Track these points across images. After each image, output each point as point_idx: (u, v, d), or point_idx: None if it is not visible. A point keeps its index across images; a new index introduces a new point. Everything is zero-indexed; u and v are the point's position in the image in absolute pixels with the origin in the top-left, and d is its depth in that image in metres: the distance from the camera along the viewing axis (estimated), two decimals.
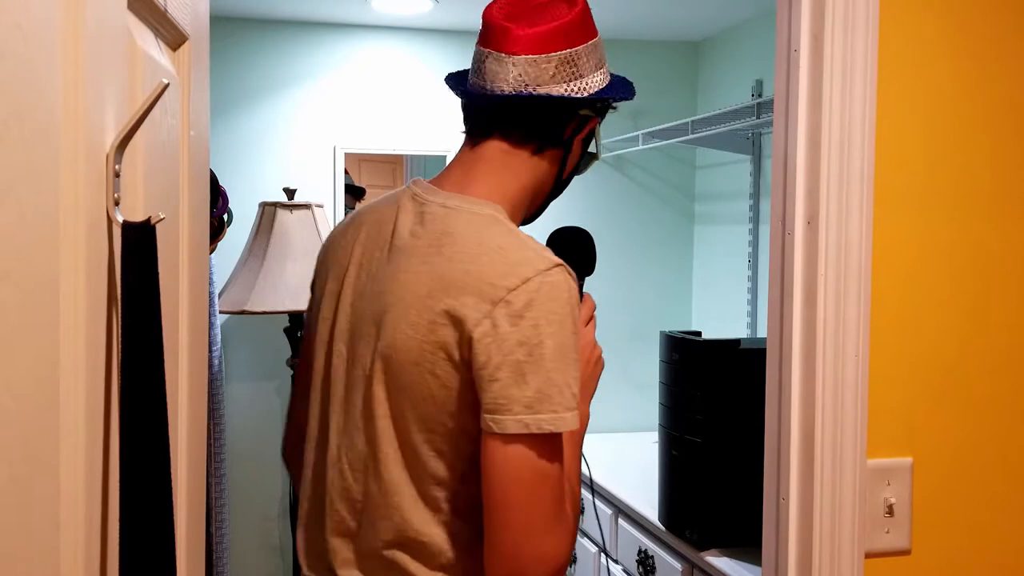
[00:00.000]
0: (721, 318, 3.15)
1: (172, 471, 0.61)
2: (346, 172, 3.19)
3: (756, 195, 2.88)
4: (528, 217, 1.26)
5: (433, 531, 1.11)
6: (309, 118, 3.05)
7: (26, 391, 0.48)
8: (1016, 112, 1.21)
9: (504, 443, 1.01)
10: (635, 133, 3.03)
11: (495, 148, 1.18)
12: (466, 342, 1.03)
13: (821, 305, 1.14)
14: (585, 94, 1.19)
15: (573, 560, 2.81)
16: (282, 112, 3.04)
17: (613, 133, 3.20)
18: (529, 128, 1.18)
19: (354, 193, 3.23)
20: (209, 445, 2.21)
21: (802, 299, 1.16)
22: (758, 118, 2.41)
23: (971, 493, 1.22)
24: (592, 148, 1.30)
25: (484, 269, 1.04)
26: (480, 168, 1.18)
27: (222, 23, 2.93)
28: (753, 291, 2.93)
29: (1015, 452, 1.24)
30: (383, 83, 3.09)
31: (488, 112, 1.19)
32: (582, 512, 2.77)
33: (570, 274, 1.06)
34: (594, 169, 3.75)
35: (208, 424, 1.13)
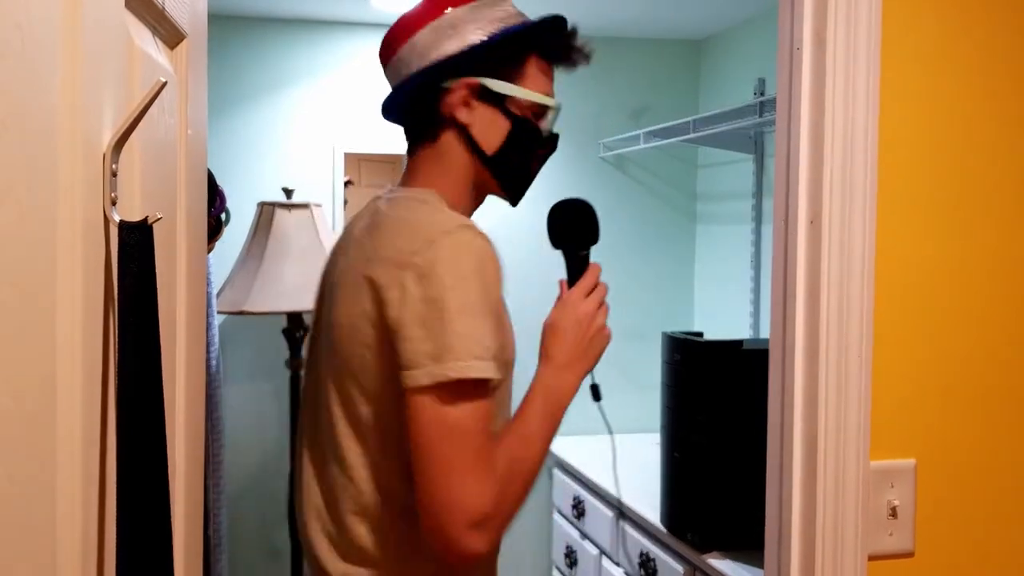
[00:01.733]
0: (723, 319, 3.14)
1: (169, 472, 0.61)
2: None
3: (759, 194, 2.87)
4: (512, 197, 1.30)
5: (390, 499, 1.17)
6: (308, 118, 3.05)
7: (23, 391, 0.47)
8: (1020, 110, 1.21)
9: (418, 396, 1.06)
10: (636, 132, 3.03)
11: (418, 153, 1.28)
12: (383, 306, 1.10)
13: (824, 305, 1.13)
14: (437, 59, 1.21)
15: (573, 563, 2.80)
16: (281, 111, 3.03)
17: (614, 132, 3.19)
18: (413, 124, 1.28)
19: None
20: (207, 446, 2.21)
21: (805, 299, 1.15)
22: (760, 117, 2.40)
23: (975, 495, 1.21)
24: (523, 105, 1.24)
25: (397, 239, 1.12)
26: (417, 170, 1.27)
27: (220, 21, 2.92)
28: (756, 291, 2.92)
29: (1020, 454, 1.23)
30: (383, 83, 3.08)
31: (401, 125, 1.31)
32: (580, 514, 2.77)
33: (479, 235, 1.11)
34: (595, 168, 3.73)
35: (206, 425, 1.13)
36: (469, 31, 1.21)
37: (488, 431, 1.08)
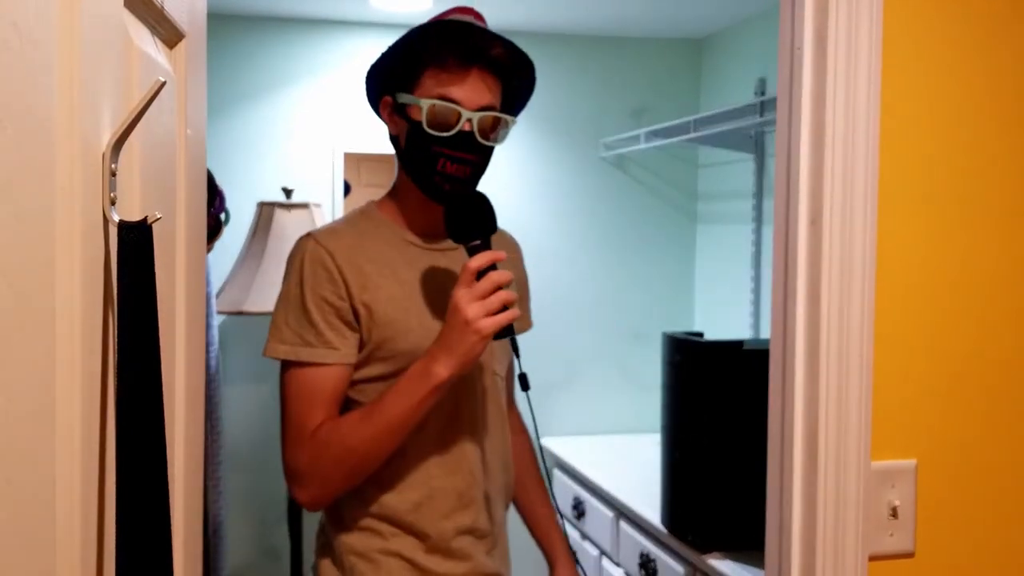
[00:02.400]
0: (724, 319, 3.14)
1: (169, 473, 0.61)
2: None
3: (759, 194, 2.87)
4: (433, 194, 1.37)
5: None
6: (307, 117, 3.05)
7: (22, 392, 0.47)
8: (1022, 110, 1.21)
9: None
10: (637, 132, 3.03)
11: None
12: None
13: (825, 306, 1.13)
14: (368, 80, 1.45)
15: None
16: (281, 111, 3.03)
17: (614, 131, 3.19)
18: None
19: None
20: (206, 446, 2.21)
21: (806, 299, 1.15)
22: (761, 116, 2.40)
23: (976, 495, 1.21)
24: (418, 110, 1.34)
25: None
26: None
27: (219, 21, 2.92)
28: (756, 291, 2.92)
29: (1020, 454, 1.23)
30: None
31: None
32: (580, 515, 2.77)
33: (318, 241, 1.35)
34: (595, 168, 3.73)
35: (205, 425, 1.13)
36: (388, 50, 1.40)
37: (310, 401, 1.32)
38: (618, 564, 2.50)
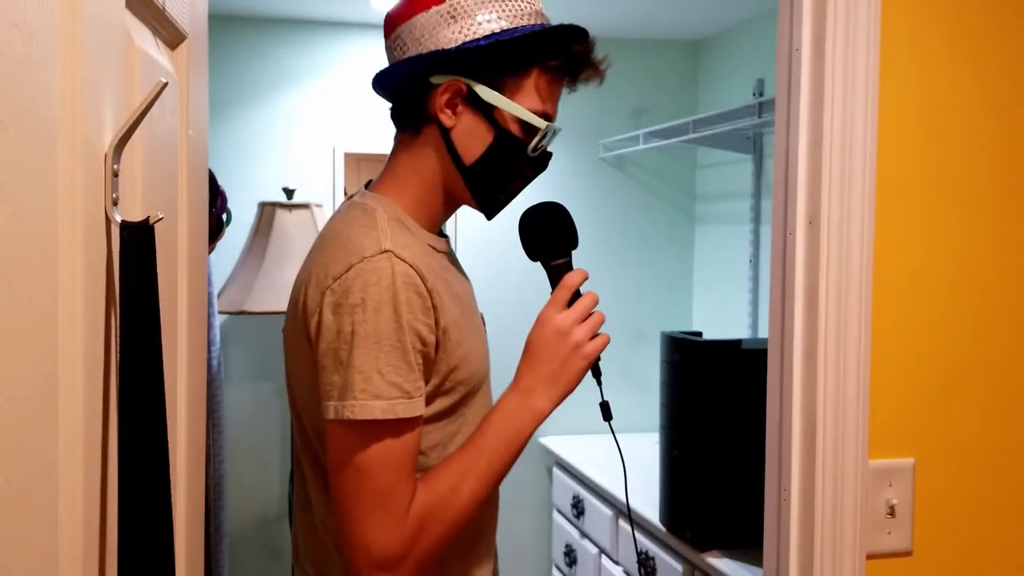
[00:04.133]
0: (722, 319, 3.14)
1: (171, 472, 0.61)
2: None
3: (757, 195, 2.87)
4: (485, 211, 1.20)
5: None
6: (309, 118, 3.05)
7: (24, 392, 0.47)
8: (1020, 111, 1.21)
9: (331, 428, 1.03)
10: (636, 132, 3.03)
11: (400, 140, 1.19)
12: (309, 330, 1.06)
13: (823, 305, 1.13)
14: (431, 49, 1.10)
15: (573, 562, 2.81)
16: (282, 112, 3.03)
17: (613, 132, 3.19)
18: (398, 111, 1.19)
19: None
20: (208, 445, 2.21)
21: (804, 299, 1.15)
22: (759, 117, 2.41)
23: (973, 494, 1.22)
24: (515, 120, 1.13)
25: (325, 259, 1.07)
26: (389, 164, 1.19)
27: (221, 22, 2.92)
28: (754, 291, 2.92)
29: (1017, 453, 1.23)
30: None
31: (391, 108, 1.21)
32: (580, 514, 2.77)
33: (403, 260, 1.03)
34: (594, 169, 3.73)
35: (207, 424, 1.13)
36: (470, 24, 1.09)
37: (402, 469, 1.03)
38: (617, 562, 2.51)
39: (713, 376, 1.92)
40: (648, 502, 2.29)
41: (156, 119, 0.71)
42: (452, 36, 1.09)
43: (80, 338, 0.55)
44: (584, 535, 2.78)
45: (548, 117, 1.16)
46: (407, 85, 1.14)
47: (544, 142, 1.16)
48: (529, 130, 1.14)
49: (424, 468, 1.09)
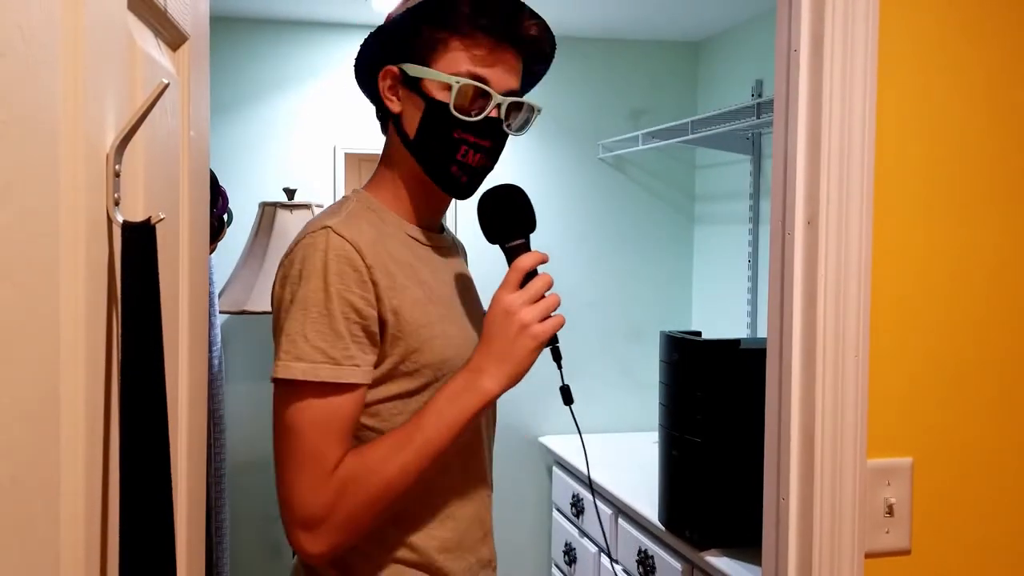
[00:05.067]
0: (721, 318, 3.15)
1: (172, 471, 0.61)
2: None
3: (756, 195, 2.88)
4: (443, 187, 1.20)
5: None
6: (309, 118, 3.05)
7: (26, 391, 0.48)
8: (1018, 111, 1.21)
9: (273, 391, 1.13)
10: (635, 133, 3.03)
11: (384, 143, 1.27)
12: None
13: (821, 305, 1.14)
14: (364, 50, 1.20)
15: (573, 561, 2.81)
16: (282, 112, 3.04)
17: (613, 133, 3.20)
18: (376, 114, 1.27)
19: None
20: (209, 445, 2.21)
21: (802, 299, 1.16)
22: (758, 118, 2.41)
23: (972, 493, 1.22)
24: (441, 88, 1.15)
25: (292, 241, 1.16)
26: (379, 163, 1.27)
27: (222, 23, 2.93)
28: (753, 291, 2.93)
29: (1015, 452, 1.24)
30: None
31: None
32: (579, 512, 2.77)
33: (339, 234, 1.09)
34: (594, 169, 3.73)
35: (208, 424, 1.13)
36: (396, 11, 1.17)
37: (328, 431, 1.08)
38: (616, 561, 2.51)
39: (712, 375, 1.93)
40: (647, 501, 2.30)
41: (158, 120, 0.71)
42: (379, 27, 1.19)
43: (82, 337, 0.55)
44: (584, 534, 2.78)
45: (484, 80, 1.15)
46: (365, 86, 1.24)
47: (479, 103, 1.16)
48: (468, 97, 1.15)
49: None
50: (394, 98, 1.19)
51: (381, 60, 1.19)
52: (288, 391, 1.09)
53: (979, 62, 1.20)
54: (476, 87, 1.14)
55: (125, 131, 0.59)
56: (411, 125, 1.18)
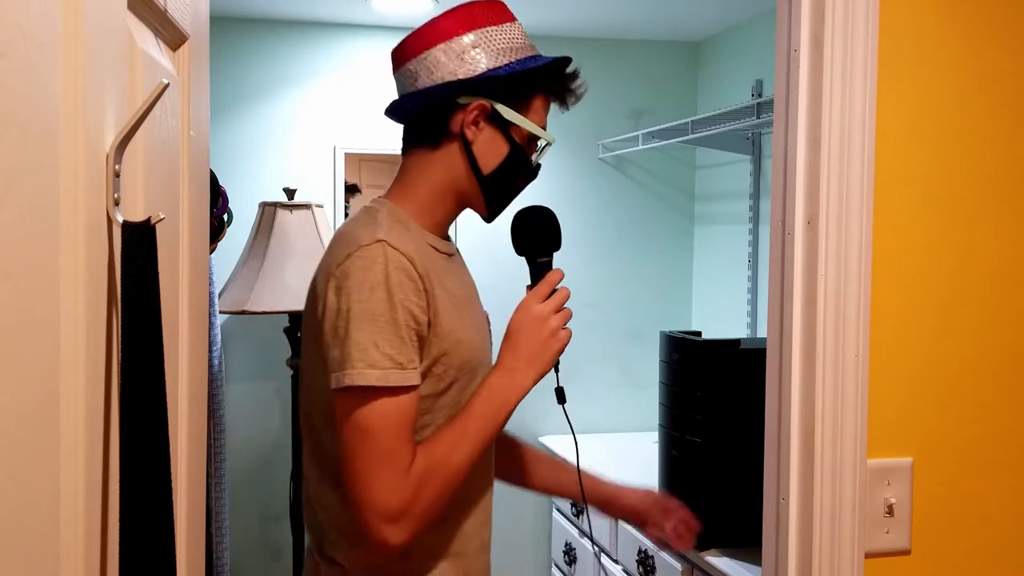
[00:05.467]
0: (721, 318, 3.15)
1: (172, 471, 0.61)
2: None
3: (756, 195, 2.88)
4: (490, 214, 1.36)
5: (334, 505, 1.27)
6: (309, 118, 3.05)
7: (26, 391, 0.48)
8: (1018, 111, 1.21)
9: (336, 399, 1.18)
10: (635, 133, 3.03)
11: (409, 157, 1.36)
12: (319, 315, 1.21)
13: (821, 305, 1.14)
14: (451, 79, 1.28)
15: (572, 561, 2.81)
16: (282, 112, 3.04)
17: (613, 133, 3.20)
18: (417, 128, 1.35)
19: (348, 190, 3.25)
20: (209, 445, 2.21)
21: (802, 299, 1.16)
22: (758, 118, 2.41)
23: (971, 493, 1.22)
24: (522, 134, 1.31)
25: (332, 253, 1.24)
26: (399, 176, 1.36)
27: (222, 23, 2.93)
28: (753, 291, 2.93)
29: (1015, 452, 1.24)
30: (383, 83, 3.08)
31: (402, 128, 1.38)
32: (579, 513, 2.77)
33: (395, 247, 1.18)
34: (594, 169, 3.74)
35: (208, 424, 1.13)
36: (487, 57, 1.28)
37: (400, 431, 1.17)
38: (616, 561, 2.51)
39: (712, 375, 1.93)
40: None
41: (158, 120, 0.71)
42: (475, 67, 1.27)
43: (82, 337, 0.55)
44: (584, 534, 2.78)
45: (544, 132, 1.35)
46: (431, 107, 1.31)
47: (541, 154, 1.37)
48: (531, 143, 1.33)
49: (418, 442, 1.22)
50: (474, 128, 1.30)
51: (461, 91, 1.28)
52: (362, 396, 1.16)
53: (979, 62, 1.20)
54: (550, 144, 1.36)
55: (125, 131, 0.59)
56: (489, 161, 1.31)
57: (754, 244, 2.90)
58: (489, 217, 1.37)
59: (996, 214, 1.21)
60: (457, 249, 1.46)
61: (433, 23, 1.31)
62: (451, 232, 1.43)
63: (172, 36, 0.80)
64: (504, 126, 1.30)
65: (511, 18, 1.33)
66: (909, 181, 1.18)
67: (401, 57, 1.33)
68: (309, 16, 2.97)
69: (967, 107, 1.20)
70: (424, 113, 1.33)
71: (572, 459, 2.95)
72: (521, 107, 1.31)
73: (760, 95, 2.82)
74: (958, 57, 1.19)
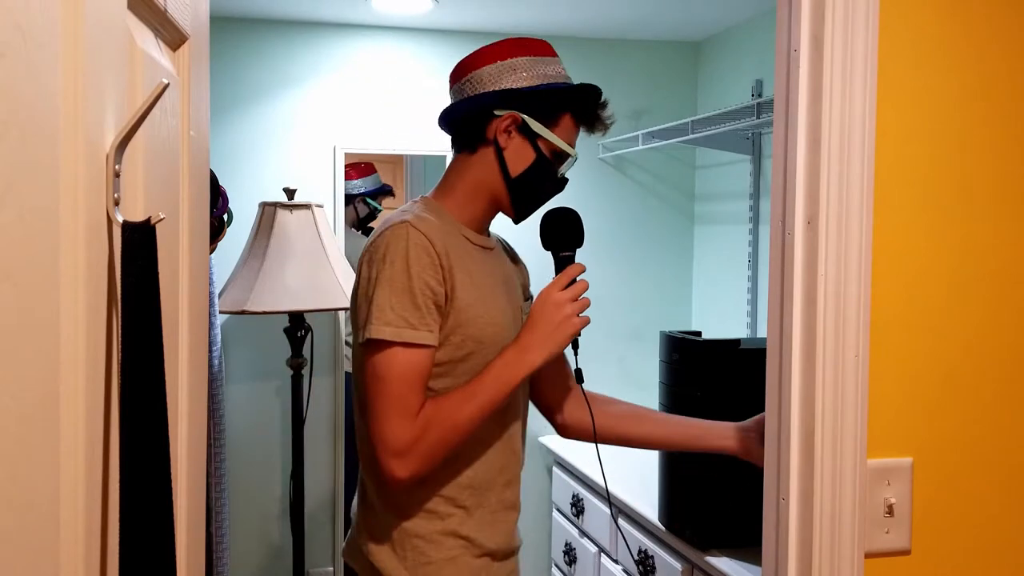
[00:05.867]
0: (721, 318, 3.15)
1: (172, 471, 0.61)
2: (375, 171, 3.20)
3: (756, 195, 2.88)
4: (516, 214, 1.56)
5: (365, 449, 1.49)
6: (309, 118, 3.05)
7: (26, 391, 0.48)
8: (1018, 111, 1.21)
9: (361, 351, 1.41)
10: (635, 133, 3.03)
11: (453, 161, 1.57)
12: (358, 285, 1.44)
13: (821, 305, 1.14)
14: (490, 90, 1.49)
15: (573, 561, 2.81)
16: (282, 112, 3.04)
17: (613, 133, 3.20)
18: (458, 135, 1.56)
19: (383, 192, 3.28)
20: (209, 445, 2.21)
21: (802, 299, 1.16)
22: (758, 118, 2.41)
23: (971, 493, 1.22)
24: (548, 147, 1.50)
25: (372, 235, 1.46)
26: (444, 176, 1.57)
27: (222, 23, 2.93)
28: (753, 291, 2.93)
29: (1015, 452, 1.24)
30: (383, 83, 3.09)
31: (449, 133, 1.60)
32: (579, 512, 2.77)
33: (417, 229, 1.38)
34: (594, 169, 3.75)
35: (208, 424, 1.14)
36: (524, 77, 1.49)
37: (410, 381, 1.36)
38: (616, 561, 2.51)
39: (712, 375, 1.93)
40: (647, 501, 2.30)
41: (158, 120, 0.71)
42: (513, 83, 1.48)
43: (82, 337, 0.55)
44: (584, 534, 2.78)
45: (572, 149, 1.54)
46: (474, 115, 1.51)
47: (566, 168, 1.55)
48: (558, 157, 1.52)
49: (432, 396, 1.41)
50: (505, 136, 1.49)
51: (498, 104, 1.48)
52: (378, 349, 1.37)
53: (979, 62, 1.20)
54: (575, 160, 1.54)
55: (125, 131, 0.59)
56: (516, 166, 1.50)
57: (754, 244, 2.90)
58: (517, 219, 1.56)
59: (996, 214, 1.21)
60: (505, 247, 1.68)
61: (490, 47, 1.52)
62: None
63: (172, 36, 0.80)
64: (532, 137, 1.49)
65: (553, 54, 1.55)
66: (909, 181, 1.18)
67: (459, 73, 1.54)
68: (309, 16, 2.97)
69: (967, 107, 1.20)
70: (466, 120, 1.53)
71: (572, 459, 2.94)
72: (550, 123, 1.50)
73: (760, 95, 2.82)
74: (958, 57, 1.19)
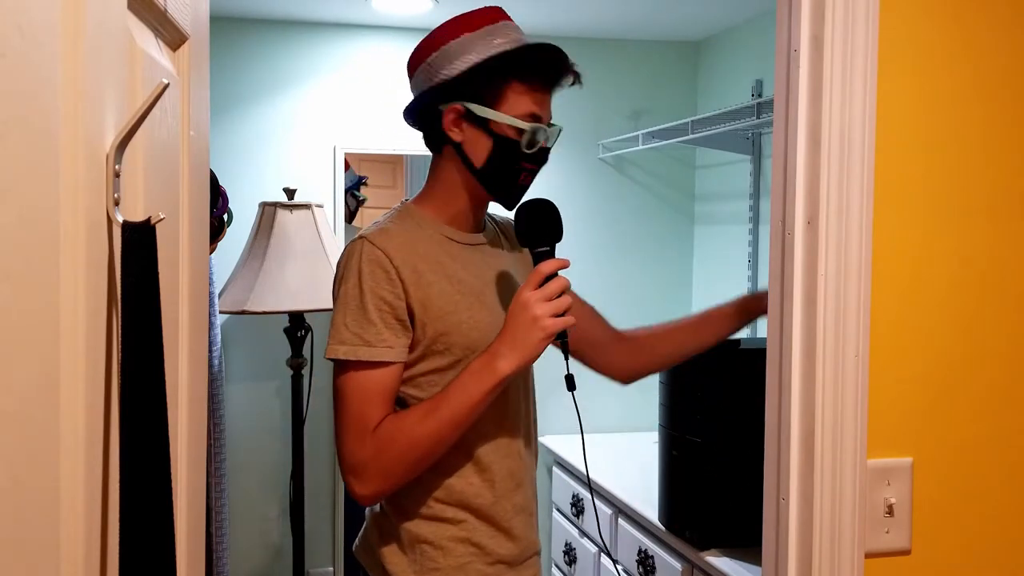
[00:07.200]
0: None
1: (172, 471, 0.61)
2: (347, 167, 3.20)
3: (756, 195, 2.88)
4: (500, 202, 1.46)
5: None
6: (309, 118, 3.05)
7: (26, 391, 0.48)
8: (1017, 111, 1.21)
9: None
10: (635, 133, 3.03)
11: (432, 160, 1.50)
12: None
13: (821, 305, 1.14)
14: (427, 87, 1.41)
15: (572, 561, 2.81)
16: (282, 112, 3.04)
17: (613, 133, 3.20)
18: (424, 137, 1.48)
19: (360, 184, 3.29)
20: (209, 445, 2.21)
21: (802, 299, 1.16)
22: (758, 118, 2.41)
23: (971, 493, 1.22)
24: (502, 127, 1.38)
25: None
26: (429, 175, 1.50)
27: (222, 23, 2.93)
28: (753, 291, 2.92)
29: (1015, 452, 1.24)
30: (383, 83, 3.09)
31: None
32: (579, 512, 2.77)
33: (372, 243, 1.35)
34: (594, 169, 3.74)
35: (208, 424, 1.14)
36: (457, 63, 1.38)
37: (367, 398, 1.33)
38: (616, 561, 2.51)
39: (712, 375, 1.93)
40: (647, 501, 2.30)
41: (158, 120, 0.71)
42: (447, 72, 1.38)
43: (82, 337, 0.55)
44: (584, 534, 2.78)
45: (538, 118, 1.41)
46: (424, 115, 1.45)
47: (538, 138, 1.41)
48: (520, 131, 1.39)
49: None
50: (456, 130, 1.41)
51: (440, 98, 1.40)
52: (338, 368, 1.36)
53: (979, 61, 1.20)
54: (539, 127, 1.40)
55: (125, 131, 0.59)
56: (477, 156, 1.41)
57: (754, 244, 2.90)
58: (506, 205, 1.46)
59: (996, 214, 1.21)
60: (508, 235, 1.56)
61: (427, 36, 1.42)
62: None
63: (172, 36, 0.80)
64: (483, 123, 1.39)
65: (496, 19, 1.41)
66: (909, 181, 1.18)
67: (413, 62, 1.45)
68: (309, 16, 2.97)
69: (967, 106, 1.20)
70: (420, 123, 1.47)
71: (572, 459, 2.95)
72: (494, 101, 1.38)
73: (760, 95, 2.82)
74: (958, 57, 1.19)
